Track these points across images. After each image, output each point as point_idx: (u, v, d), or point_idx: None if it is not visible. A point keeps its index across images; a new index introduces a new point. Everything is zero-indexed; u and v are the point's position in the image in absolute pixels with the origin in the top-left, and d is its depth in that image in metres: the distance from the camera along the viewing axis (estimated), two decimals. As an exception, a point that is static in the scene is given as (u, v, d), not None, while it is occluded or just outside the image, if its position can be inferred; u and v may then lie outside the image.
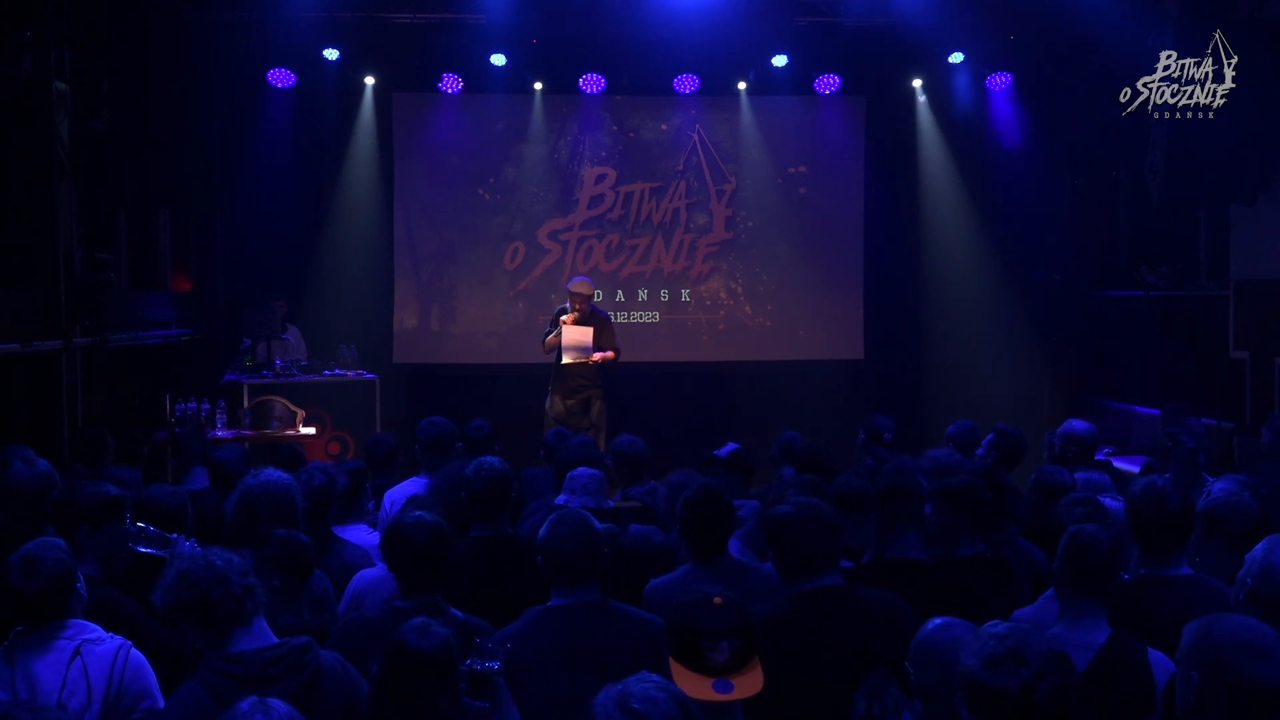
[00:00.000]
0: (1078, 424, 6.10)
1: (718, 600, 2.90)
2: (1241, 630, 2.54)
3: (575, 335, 9.33)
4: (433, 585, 3.61)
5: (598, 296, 11.17)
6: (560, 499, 4.77)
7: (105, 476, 4.68)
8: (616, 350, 9.53)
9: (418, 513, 3.73)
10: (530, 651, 3.34)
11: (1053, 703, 2.34)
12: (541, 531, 3.57)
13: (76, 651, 3.24)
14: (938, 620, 2.85)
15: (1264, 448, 6.09)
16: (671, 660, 2.86)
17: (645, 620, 3.50)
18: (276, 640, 3.03)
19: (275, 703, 2.48)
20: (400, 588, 3.65)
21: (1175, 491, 3.89)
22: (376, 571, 4.25)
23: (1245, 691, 2.47)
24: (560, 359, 9.41)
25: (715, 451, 6.12)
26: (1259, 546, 3.24)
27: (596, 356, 9.36)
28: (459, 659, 2.90)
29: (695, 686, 2.75)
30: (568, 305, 9.51)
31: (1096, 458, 6.30)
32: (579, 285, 9.49)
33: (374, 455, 6.26)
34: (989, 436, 6.00)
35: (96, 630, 3.33)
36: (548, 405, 9.54)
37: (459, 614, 3.53)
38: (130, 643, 3.31)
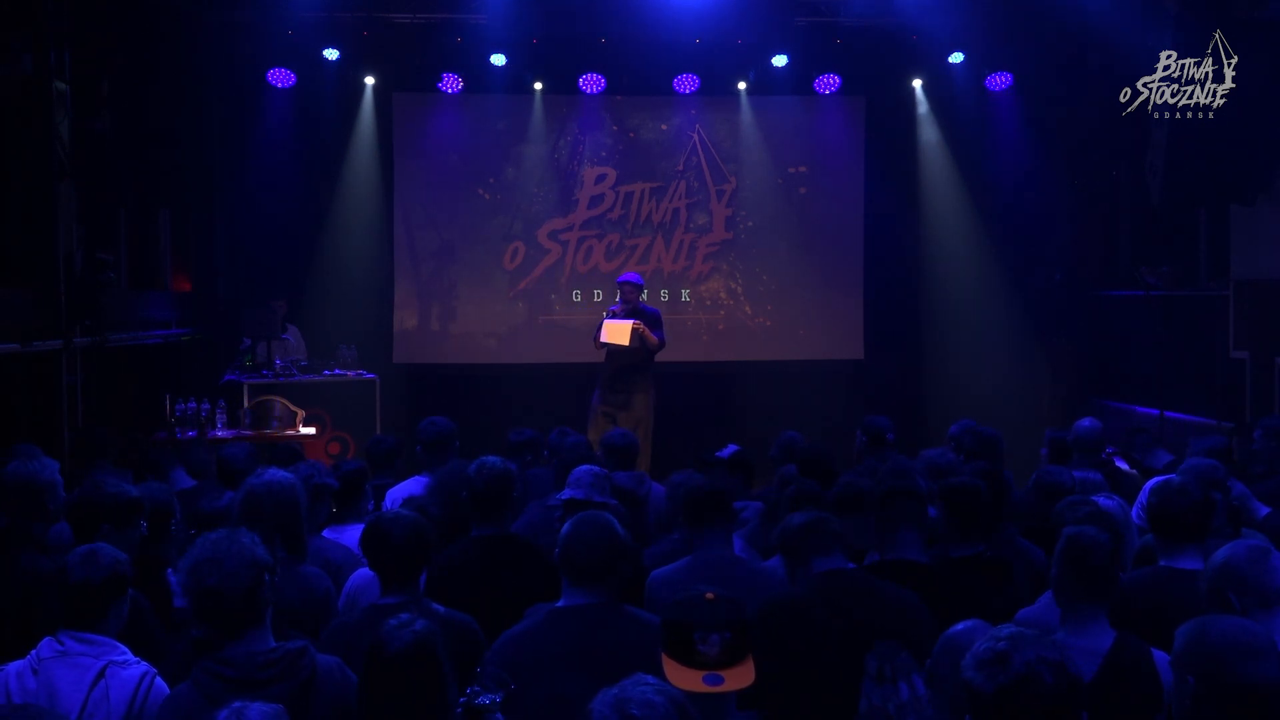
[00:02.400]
0: (1084, 421, 6.16)
1: (710, 596, 2.92)
2: (1234, 632, 2.54)
3: (614, 331, 9.36)
4: (413, 581, 3.61)
5: (590, 296, 11.20)
6: (562, 496, 4.79)
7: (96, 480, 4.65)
8: (662, 341, 9.53)
9: (398, 509, 3.73)
10: (538, 652, 3.35)
11: (1034, 707, 2.27)
12: (564, 528, 3.57)
13: (101, 673, 3.19)
14: (964, 624, 2.83)
15: (1256, 450, 6.10)
16: (663, 654, 2.87)
17: (654, 624, 3.49)
18: (274, 644, 3.02)
19: (252, 713, 2.47)
20: (381, 585, 3.66)
21: (1196, 489, 3.97)
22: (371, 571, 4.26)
23: (1240, 692, 2.47)
24: (607, 352, 9.49)
25: (717, 453, 6.11)
26: (1221, 550, 3.29)
27: (636, 324, 9.31)
28: (443, 651, 2.88)
29: (685, 679, 2.76)
30: (617, 302, 9.51)
31: (1101, 457, 6.33)
32: (629, 279, 9.58)
33: (374, 454, 6.26)
34: (965, 441, 6.04)
35: (125, 652, 3.28)
36: (594, 400, 9.61)
37: (440, 609, 3.52)
38: (155, 671, 3.26)
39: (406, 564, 3.61)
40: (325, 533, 4.86)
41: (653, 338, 9.44)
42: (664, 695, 2.25)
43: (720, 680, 2.81)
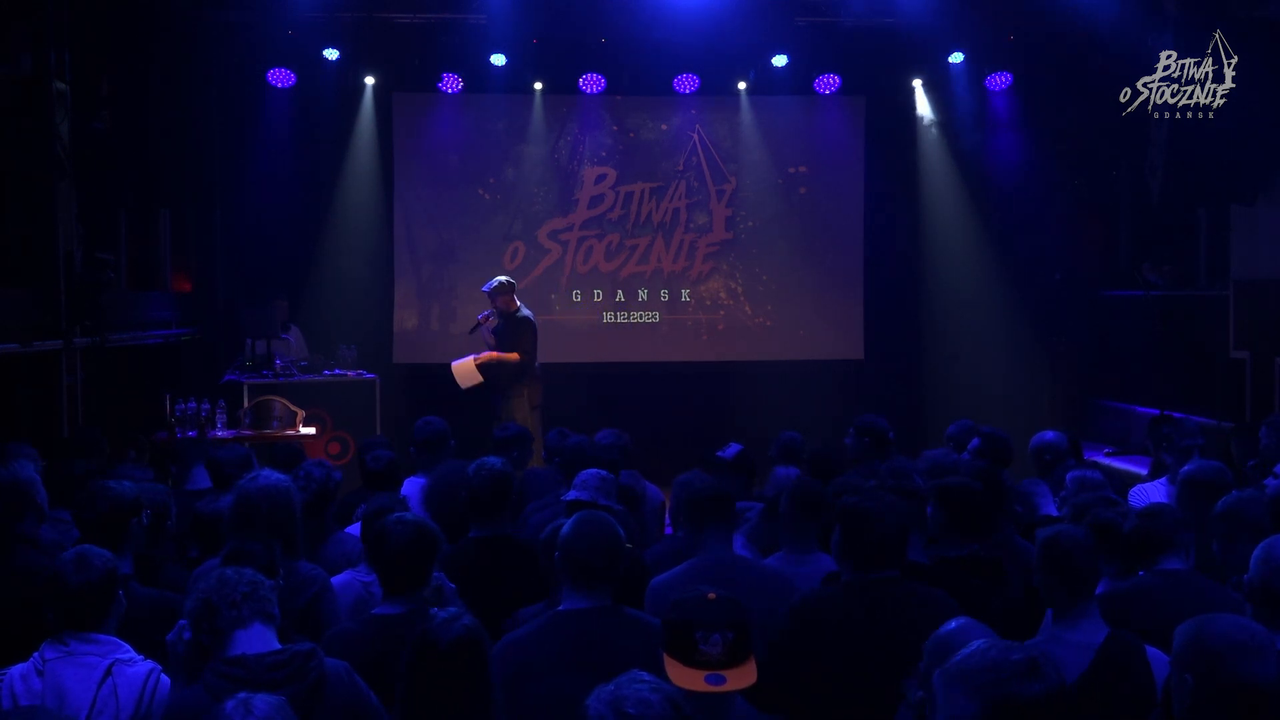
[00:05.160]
0: (1048, 435, 6.11)
1: (712, 595, 2.91)
2: (1233, 630, 2.54)
3: (461, 374, 9.39)
4: (415, 589, 3.57)
5: (590, 296, 11.19)
6: (567, 497, 4.79)
7: (121, 475, 4.66)
8: (523, 353, 9.33)
9: (404, 513, 3.72)
10: (539, 655, 3.33)
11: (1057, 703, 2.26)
12: (564, 530, 3.53)
13: (108, 671, 3.20)
14: (954, 622, 2.82)
15: (1262, 449, 6.09)
16: (665, 655, 2.85)
17: (657, 627, 3.48)
18: (280, 646, 3.03)
19: (258, 704, 2.48)
20: (382, 590, 3.62)
21: (1169, 514, 4.05)
22: None
23: (1239, 691, 2.47)
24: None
25: (719, 453, 6.08)
26: (1260, 546, 3.27)
27: (484, 356, 9.33)
28: (488, 647, 2.92)
29: (687, 679, 2.74)
30: (487, 311, 9.47)
31: (1089, 458, 6.33)
32: (493, 289, 9.42)
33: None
34: (974, 441, 6.02)
35: (128, 650, 3.30)
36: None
37: (441, 616, 3.51)
38: (160, 668, 3.27)
39: (407, 570, 3.57)
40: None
41: (509, 356, 9.27)
42: (659, 693, 2.24)
43: (723, 680, 2.80)
